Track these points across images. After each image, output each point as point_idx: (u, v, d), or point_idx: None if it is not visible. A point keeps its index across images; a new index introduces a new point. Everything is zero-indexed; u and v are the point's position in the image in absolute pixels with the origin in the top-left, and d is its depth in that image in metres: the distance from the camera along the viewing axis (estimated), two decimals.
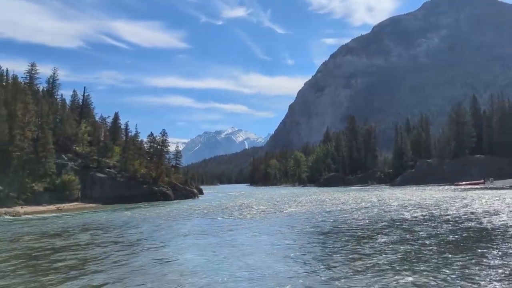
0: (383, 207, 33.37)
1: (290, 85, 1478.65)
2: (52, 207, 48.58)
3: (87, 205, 53.08)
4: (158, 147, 74.67)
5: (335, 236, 18.34)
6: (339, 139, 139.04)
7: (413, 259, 12.36)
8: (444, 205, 31.90)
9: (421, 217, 24.00)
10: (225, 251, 15.17)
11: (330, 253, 14.02)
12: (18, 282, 11.31)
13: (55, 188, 53.29)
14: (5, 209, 42.49)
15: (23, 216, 39.13)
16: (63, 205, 50.27)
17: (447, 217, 23.64)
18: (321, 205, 39.17)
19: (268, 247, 15.90)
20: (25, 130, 53.34)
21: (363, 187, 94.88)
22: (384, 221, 22.89)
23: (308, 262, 12.61)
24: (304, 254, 14.12)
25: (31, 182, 51.15)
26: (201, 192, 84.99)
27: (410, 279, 9.90)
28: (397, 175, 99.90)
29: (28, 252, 16.95)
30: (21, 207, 45.60)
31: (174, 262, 13.52)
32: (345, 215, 27.48)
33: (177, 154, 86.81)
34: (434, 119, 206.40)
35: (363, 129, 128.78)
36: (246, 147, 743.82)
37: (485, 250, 13.41)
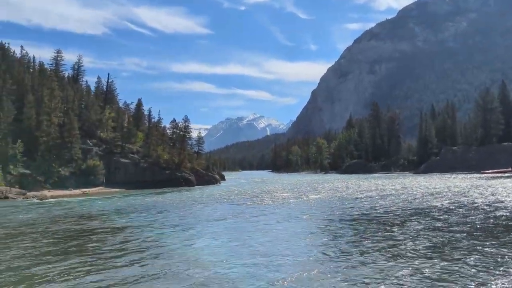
0: (408, 194, 32.75)
1: (313, 71, 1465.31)
2: (77, 191, 49.74)
3: (111, 189, 54.13)
4: (181, 133, 75.28)
5: (363, 222, 18.05)
6: (362, 125, 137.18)
7: (444, 246, 11.99)
8: (471, 193, 31.06)
9: (449, 205, 23.40)
10: (253, 237, 15.12)
11: (360, 239, 13.79)
12: (70, 263, 11.48)
13: (81, 172, 54.55)
14: (33, 192, 43.72)
15: (51, 200, 40.14)
16: (88, 189, 51.40)
17: (475, 205, 22.98)
18: (346, 192, 38.77)
19: (296, 233, 15.78)
20: (51, 116, 54.58)
21: (386, 174, 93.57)
22: (411, 209, 22.43)
23: (338, 248, 12.44)
24: (333, 240, 13.95)
25: (58, 167, 52.44)
26: (223, 178, 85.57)
27: (442, 265, 9.57)
28: (421, 163, 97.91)
29: (71, 233, 17.38)
30: (48, 191, 46.83)
31: (206, 247, 13.57)
32: (371, 202, 27.07)
33: (199, 140, 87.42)
34: (460, 105, 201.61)
35: (386, 116, 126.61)
36: (268, 134, 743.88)
37: None
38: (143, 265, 11.02)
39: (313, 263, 10.58)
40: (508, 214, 19.07)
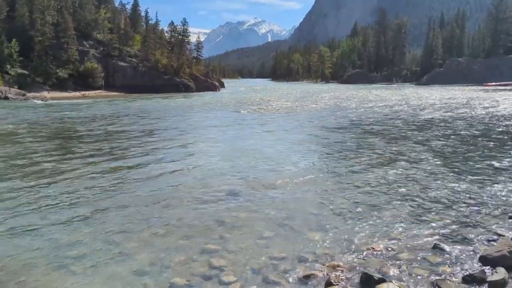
0: (407, 106, 32.80)
1: None
2: (77, 93, 49.71)
3: (111, 93, 54.01)
4: (179, 36, 72.91)
5: (360, 132, 18.21)
6: (367, 34, 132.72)
7: (441, 154, 12.18)
8: (470, 105, 31.10)
9: (450, 117, 23.48)
10: (247, 143, 15.39)
11: (357, 148, 13.96)
12: (76, 164, 11.87)
13: (79, 75, 53.99)
14: (33, 93, 43.66)
15: (51, 101, 40.17)
16: (88, 92, 51.30)
17: (478, 116, 23.07)
18: (345, 102, 38.79)
19: (294, 141, 15.94)
20: (45, 14, 52.40)
21: (387, 85, 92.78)
22: (408, 119, 22.58)
23: (335, 155, 12.70)
24: (330, 147, 14.18)
25: (55, 68, 51.71)
26: (222, 86, 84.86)
27: (435, 170, 9.86)
28: (425, 74, 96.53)
29: (77, 134, 17.70)
30: (48, 92, 46.77)
31: (203, 152, 13.81)
32: (369, 113, 27.21)
33: (199, 45, 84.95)
34: (472, 14, 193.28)
35: (393, 23, 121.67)
36: (270, 40, 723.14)
37: None
38: (142, 167, 11.35)
39: (309, 169, 10.87)
40: (504, 124, 19.24)
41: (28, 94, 42.53)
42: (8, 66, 46.42)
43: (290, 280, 4.88)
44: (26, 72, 48.17)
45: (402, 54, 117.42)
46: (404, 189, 8.43)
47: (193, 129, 20.11)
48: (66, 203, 7.78)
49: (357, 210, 7.18)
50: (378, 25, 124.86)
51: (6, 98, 39.64)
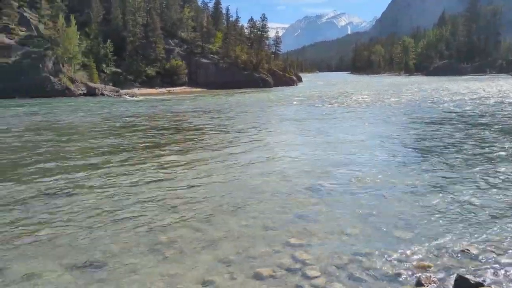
0: (508, 98, 29.99)
1: None
2: (163, 90, 52.63)
3: (194, 89, 56.36)
4: (258, 32, 73.83)
5: (456, 126, 16.93)
6: (456, 22, 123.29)
7: None
8: None
9: None
10: (332, 137, 15.15)
11: (442, 144, 13.13)
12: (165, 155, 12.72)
13: (165, 72, 57.10)
14: (125, 90, 47.11)
15: (141, 97, 43.00)
16: (173, 88, 54.07)
17: None
18: (431, 96, 36.52)
19: (377, 135, 15.41)
20: (136, 16, 56.10)
21: (479, 76, 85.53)
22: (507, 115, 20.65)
23: (422, 149, 12.09)
24: (415, 144, 13.51)
25: (145, 67, 55.24)
26: (300, 80, 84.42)
27: None
28: None
29: (163, 129, 18.89)
30: (138, 89, 50.17)
31: (285, 143, 13.96)
32: (460, 107, 25.33)
33: (277, 40, 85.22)
34: None
35: (486, 9, 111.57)
36: (349, 32, 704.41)
37: None
38: (232, 158, 11.69)
39: (399, 164, 10.39)
40: None
41: (121, 91, 45.98)
42: (104, 65, 50.59)
43: (377, 278, 4.75)
44: (119, 70, 52.12)
45: (496, 42, 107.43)
46: (509, 188, 7.75)
47: (278, 121, 20.72)
48: (160, 192, 8.28)
49: (451, 209, 6.77)
50: (469, 12, 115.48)
51: (102, 94, 43.25)
